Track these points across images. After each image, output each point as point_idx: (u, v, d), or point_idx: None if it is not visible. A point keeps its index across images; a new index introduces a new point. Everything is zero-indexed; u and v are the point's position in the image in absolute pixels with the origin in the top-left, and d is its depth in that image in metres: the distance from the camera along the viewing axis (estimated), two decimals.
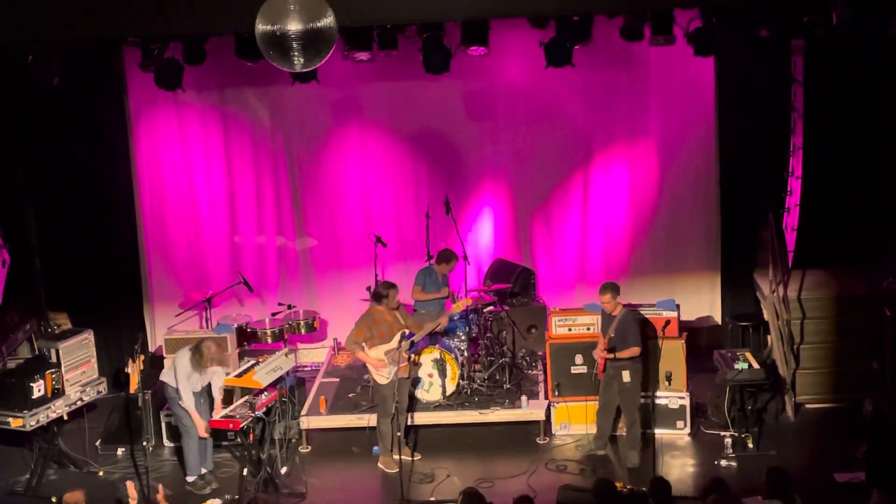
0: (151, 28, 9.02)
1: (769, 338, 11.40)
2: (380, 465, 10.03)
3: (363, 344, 9.78)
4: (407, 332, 9.83)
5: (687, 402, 10.36)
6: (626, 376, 9.67)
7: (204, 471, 9.78)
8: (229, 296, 12.53)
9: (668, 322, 10.08)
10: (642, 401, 9.94)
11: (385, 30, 10.26)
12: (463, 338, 11.05)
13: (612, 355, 9.62)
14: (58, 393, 9.77)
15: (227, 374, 9.77)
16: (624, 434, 10.06)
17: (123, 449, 10.50)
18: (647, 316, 10.20)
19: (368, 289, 11.71)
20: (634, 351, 9.63)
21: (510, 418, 10.57)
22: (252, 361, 9.97)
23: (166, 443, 10.60)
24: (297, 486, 9.65)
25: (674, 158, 12.39)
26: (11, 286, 10.90)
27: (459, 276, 11.33)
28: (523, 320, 11.92)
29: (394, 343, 9.74)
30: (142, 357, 9.62)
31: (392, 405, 9.72)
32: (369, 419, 10.30)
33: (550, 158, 12.48)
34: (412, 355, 9.97)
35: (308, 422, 10.57)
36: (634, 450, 9.82)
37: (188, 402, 9.45)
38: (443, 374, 10.56)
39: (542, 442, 10.43)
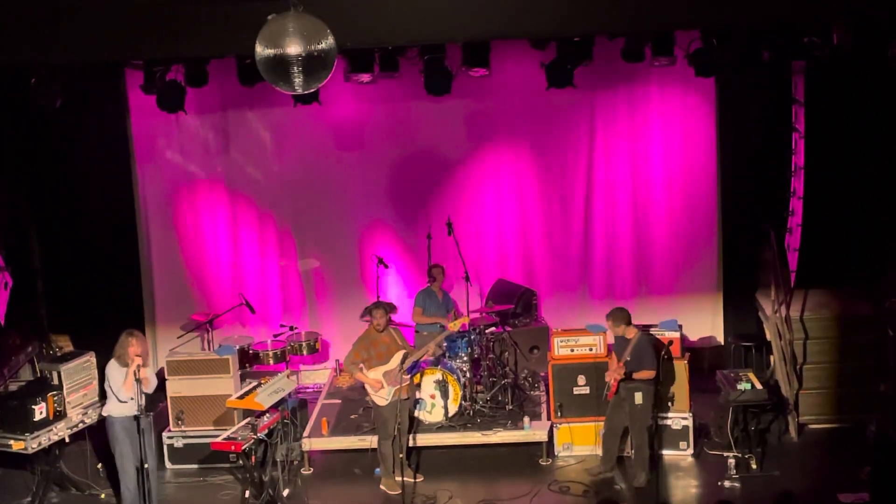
0: (153, 51, 9.04)
1: (772, 358, 11.37)
2: (382, 487, 9.99)
3: (361, 365, 9.77)
4: (406, 352, 9.83)
5: (690, 422, 10.34)
6: (638, 398, 9.64)
7: None
8: (231, 317, 12.51)
9: (670, 342, 10.13)
10: (650, 422, 9.93)
11: (386, 52, 10.30)
12: (465, 359, 11.02)
13: (628, 375, 9.58)
14: (59, 415, 9.74)
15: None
16: (630, 455, 10.02)
17: None
18: None
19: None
20: (650, 374, 9.61)
21: (513, 439, 10.53)
22: (254, 383, 9.95)
23: (168, 465, 10.57)
24: None
25: (675, 179, 12.40)
26: (13, 308, 10.88)
27: (461, 296, 11.33)
28: (525, 341, 11.90)
29: (393, 364, 9.73)
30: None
31: (393, 427, 9.69)
32: (371, 441, 10.25)
33: (552, 179, 12.51)
34: (412, 376, 9.96)
35: (310, 444, 10.54)
36: (643, 471, 9.78)
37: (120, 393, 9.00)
38: (445, 395, 10.54)
39: (544, 463, 10.40)
